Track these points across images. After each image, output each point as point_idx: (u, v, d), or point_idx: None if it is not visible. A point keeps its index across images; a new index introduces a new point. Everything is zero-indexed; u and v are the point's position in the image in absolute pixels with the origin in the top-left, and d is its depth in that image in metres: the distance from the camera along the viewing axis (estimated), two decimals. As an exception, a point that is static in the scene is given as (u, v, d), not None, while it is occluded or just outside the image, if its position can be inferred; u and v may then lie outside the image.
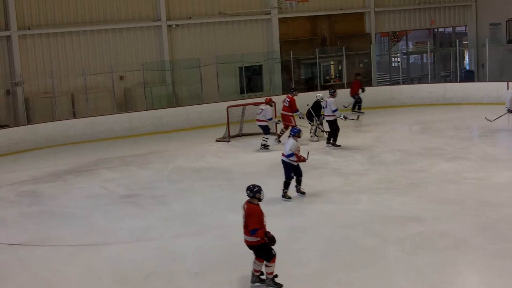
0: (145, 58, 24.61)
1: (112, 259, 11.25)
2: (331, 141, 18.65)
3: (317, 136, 19.68)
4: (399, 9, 29.52)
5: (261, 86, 26.85)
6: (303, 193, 13.93)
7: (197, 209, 13.87)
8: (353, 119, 20.69)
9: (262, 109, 19.23)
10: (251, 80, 26.67)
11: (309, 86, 27.18)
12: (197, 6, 25.57)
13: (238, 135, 21.05)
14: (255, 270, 9.58)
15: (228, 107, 20.96)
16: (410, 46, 31.63)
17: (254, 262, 9.56)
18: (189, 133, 22.32)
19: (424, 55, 30.32)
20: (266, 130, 19.13)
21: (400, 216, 12.57)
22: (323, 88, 26.05)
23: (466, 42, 31.13)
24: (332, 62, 28.66)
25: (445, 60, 30.60)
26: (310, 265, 10.43)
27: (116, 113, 23.02)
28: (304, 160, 13.69)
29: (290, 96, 19.83)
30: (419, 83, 28.69)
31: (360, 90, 23.45)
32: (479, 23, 30.63)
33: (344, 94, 22.34)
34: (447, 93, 25.35)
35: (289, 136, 14.03)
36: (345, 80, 27.43)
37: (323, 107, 19.08)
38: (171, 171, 17.36)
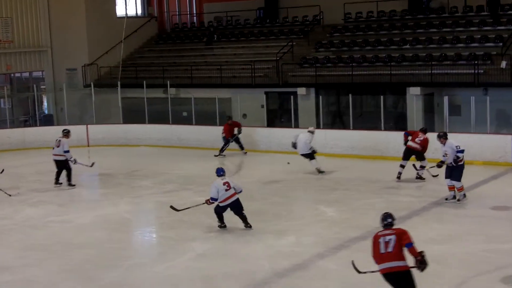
0: None
1: None
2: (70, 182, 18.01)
3: None
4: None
5: None
6: None
7: None
8: (86, 165, 18.87)
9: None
10: None
11: None
12: None
13: None
14: None
15: None
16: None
17: None
18: None
19: (2, 100, 29.45)
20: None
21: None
22: None
23: (44, 86, 31.12)
24: None
25: (23, 105, 30.17)
26: None
27: None
28: None
29: None
30: (-2, 128, 27.77)
31: (236, 130, 22.23)
32: (55, 68, 30.88)
33: None
34: (28, 137, 25.02)
35: None
36: None
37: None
38: None
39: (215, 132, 22.92)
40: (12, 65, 29.82)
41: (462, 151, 14.61)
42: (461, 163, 14.70)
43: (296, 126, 23.60)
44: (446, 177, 14.95)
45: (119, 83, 26.78)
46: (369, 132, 21.66)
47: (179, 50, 31.37)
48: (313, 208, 15.31)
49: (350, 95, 22.34)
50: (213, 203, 13.41)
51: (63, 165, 18.12)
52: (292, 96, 23.81)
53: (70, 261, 12.17)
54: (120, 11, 32.15)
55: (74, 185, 18.18)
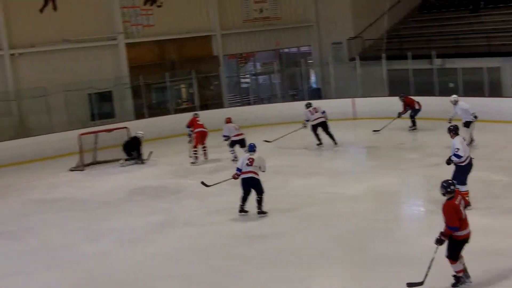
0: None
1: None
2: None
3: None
4: (245, 32, 30.07)
5: (112, 112, 26.39)
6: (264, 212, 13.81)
7: (53, 242, 13.29)
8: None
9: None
10: (101, 107, 26.15)
11: (161, 110, 27.02)
12: (40, 34, 24.70)
13: (92, 163, 20.53)
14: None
15: (80, 134, 20.41)
16: (258, 67, 32.28)
17: None
18: (39, 164, 21.47)
19: (272, 75, 31.05)
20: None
21: (260, 233, 12.76)
22: (176, 111, 26.16)
23: (311, 61, 32.16)
24: (182, 86, 28.71)
25: (292, 79, 31.50)
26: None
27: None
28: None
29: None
30: (269, 103, 29.32)
31: (416, 104, 22.64)
32: (322, 43, 31.79)
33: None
34: (296, 111, 26.04)
35: None
36: (197, 103, 27.53)
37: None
38: (23, 205, 16.56)
39: (483, 103, 22.01)
40: (281, 41, 31.24)
41: (458, 156, 12.62)
42: (462, 164, 12.71)
43: None
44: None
45: (383, 55, 26.83)
46: None
47: (444, 19, 30.48)
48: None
49: None
50: (238, 175, 13.72)
51: (326, 126, 20.11)
52: None
53: (339, 231, 12.61)
54: (384, -18, 32.08)
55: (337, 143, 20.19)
